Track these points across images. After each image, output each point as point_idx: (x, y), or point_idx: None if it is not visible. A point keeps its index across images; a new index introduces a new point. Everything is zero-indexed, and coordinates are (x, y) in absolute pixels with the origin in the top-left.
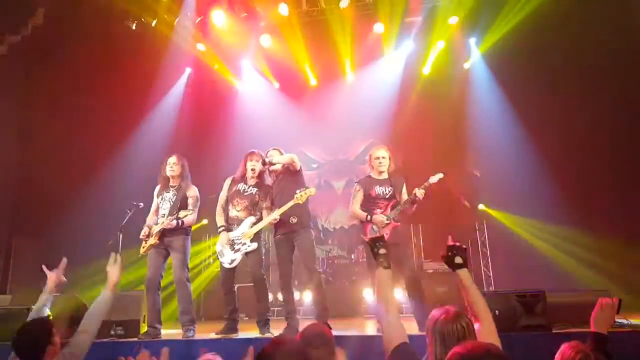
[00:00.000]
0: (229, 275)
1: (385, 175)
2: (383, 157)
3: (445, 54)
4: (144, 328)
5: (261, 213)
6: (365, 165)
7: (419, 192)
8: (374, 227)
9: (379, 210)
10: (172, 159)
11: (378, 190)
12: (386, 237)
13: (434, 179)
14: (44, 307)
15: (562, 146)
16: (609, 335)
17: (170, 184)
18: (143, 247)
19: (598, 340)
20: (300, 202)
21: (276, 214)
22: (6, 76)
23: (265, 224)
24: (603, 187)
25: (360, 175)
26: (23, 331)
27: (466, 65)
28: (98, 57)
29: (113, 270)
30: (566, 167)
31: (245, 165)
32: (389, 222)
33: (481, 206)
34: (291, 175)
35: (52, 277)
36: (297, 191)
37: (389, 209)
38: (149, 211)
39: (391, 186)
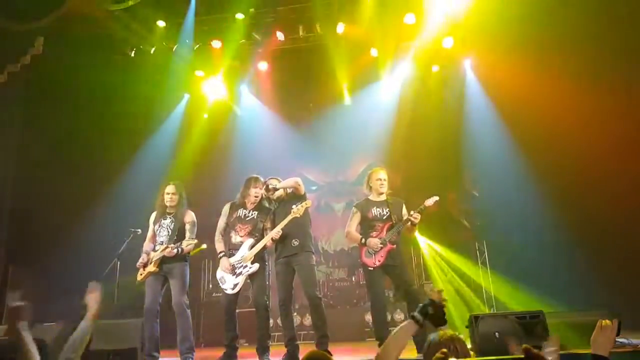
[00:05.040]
0: (231, 300)
1: (383, 197)
2: (385, 179)
3: (441, 76)
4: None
5: (261, 235)
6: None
7: (415, 216)
8: (369, 249)
9: (374, 233)
10: (170, 189)
11: (375, 212)
12: (381, 260)
13: (429, 202)
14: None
15: (559, 164)
16: (610, 357)
17: (167, 210)
18: (141, 274)
19: None
20: (298, 215)
21: (275, 231)
22: (4, 105)
23: (264, 243)
24: (603, 205)
25: (360, 196)
26: None
27: (461, 87)
28: (96, 85)
29: (92, 299)
30: (565, 185)
31: (248, 192)
32: (383, 245)
33: (480, 225)
34: (297, 200)
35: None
36: (293, 206)
37: (384, 231)
38: (144, 238)
39: (388, 208)
